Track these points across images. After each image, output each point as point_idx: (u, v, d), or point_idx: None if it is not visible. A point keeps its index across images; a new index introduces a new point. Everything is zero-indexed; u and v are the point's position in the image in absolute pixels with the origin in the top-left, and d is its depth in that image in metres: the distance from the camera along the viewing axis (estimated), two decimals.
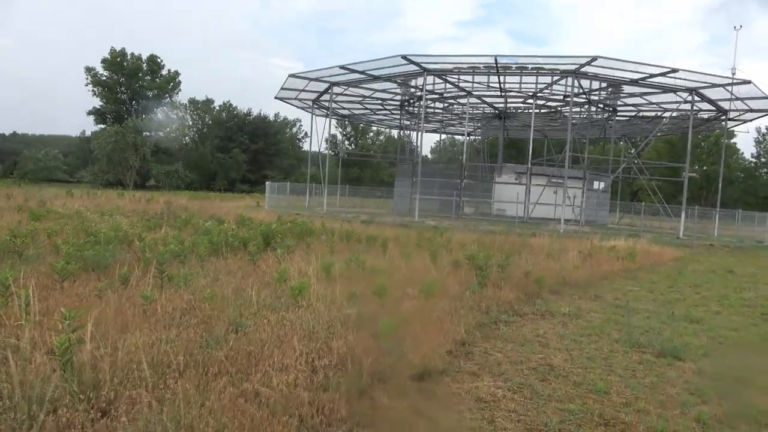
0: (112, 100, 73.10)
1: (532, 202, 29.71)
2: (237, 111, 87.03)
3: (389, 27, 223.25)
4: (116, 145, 64.91)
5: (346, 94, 34.63)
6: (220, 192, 67.97)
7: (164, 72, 76.27)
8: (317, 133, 73.84)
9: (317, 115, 36.94)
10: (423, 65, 25.69)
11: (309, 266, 8.21)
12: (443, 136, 65.15)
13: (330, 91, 31.68)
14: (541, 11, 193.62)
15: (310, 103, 36.62)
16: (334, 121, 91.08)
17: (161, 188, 65.00)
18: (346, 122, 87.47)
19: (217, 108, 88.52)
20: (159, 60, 75.55)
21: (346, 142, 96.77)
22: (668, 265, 14.96)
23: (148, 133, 72.47)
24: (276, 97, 35.76)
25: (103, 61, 71.96)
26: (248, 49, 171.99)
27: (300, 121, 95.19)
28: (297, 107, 39.48)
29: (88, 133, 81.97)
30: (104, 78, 72.24)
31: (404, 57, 24.33)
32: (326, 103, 36.93)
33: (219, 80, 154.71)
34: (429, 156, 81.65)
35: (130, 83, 73.31)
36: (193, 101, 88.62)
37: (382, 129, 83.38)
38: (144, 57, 74.44)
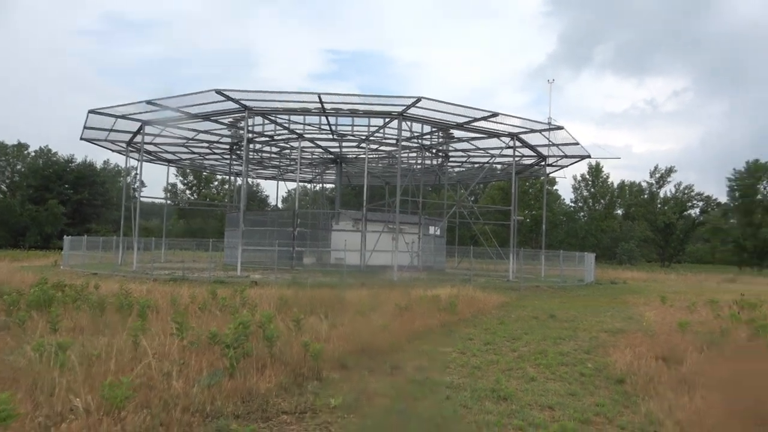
0: None
1: (369, 250, 28.29)
2: (57, 157, 77.16)
3: (244, 78, 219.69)
4: None
5: (166, 135, 31.01)
6: (29, 249, 58.52)
7: None
8: (137, 180, 67.32)
9: (139, 160, 32.59)
10: (242, 102, 23.37)
11: None
12: (292, 185, 63.03)
13: (142, 131, 27.93)
14: (390, 68, 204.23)
15: (124, 145, 32.34)
16: (173, 170, 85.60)
17: None
18: (188, 170, 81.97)
19: (33, 154, 77.78)
20: None
21: (188, 192, 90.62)
22: (491, 314, 13.82)
23: None
24: (82, 138, 30.98)
25: None
26: (85, 92, 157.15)
27: (135, 168, 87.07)
28: (111, 150, 34.77)
29: None
30: None
31: (218, 92, 21.83)
32: (146, 146, 32.95)
33: (43, 124, 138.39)
34: (280, 206, 78.72)
35: None
36: (1, 146, 77.13)
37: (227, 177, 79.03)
38: None
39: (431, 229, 31.93)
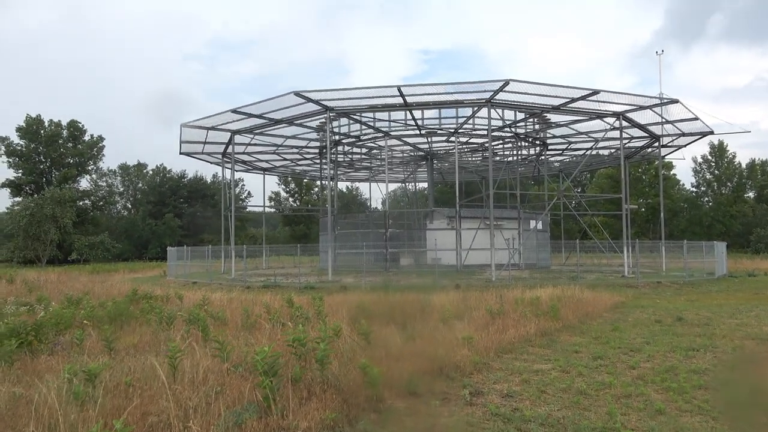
0: (29, 170, 67.91)
1: (465, 249, 26.69)
2: (171, 174, 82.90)
3: (343, 83, 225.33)
4: (32, 218, 59.69)
5: (256, 144, 31.43)
6: (150, 260, 63.13)
7: (86, 137, 71.82)
8: (242, 190, 70.07)
9: (232, 169, 33.43)
10: (321, 102, 22.77)
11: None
12: (393, 186, 63.05)
13: (232, 141, 28.39)
14: (480, 61, 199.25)
15: (220, 156, 33.28)
16: (275, 178, 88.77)
17: (86, 262, 59.82)
18: (289, 178, 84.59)
19: (150, 172, 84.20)
20: (80, 125, 71.25)
21: (290, 199, 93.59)
22: (603, 318, 11.81)
23: (71, 204, 67.30)
24: (181, 153, 32.24)
25: (18, 129, 67.26)
26: (193, 114, 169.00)
27: (242, 180, 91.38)
28: (210, 162, 36.04)
29: (2, 207, 76.02)
30: (19, 147, 67.29)
31: (297, 93, 21.37)
32: (239, 156, 33.71)
33: (158, 144, 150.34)
34: (379, 208, 78.77)
35: (48, 151, 68.51)
36: (123, 167, 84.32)
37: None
38: (64, 123, 70.06)
39: (532, 224, 29.58)
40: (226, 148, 30.74)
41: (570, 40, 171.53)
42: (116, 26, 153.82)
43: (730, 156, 67.83)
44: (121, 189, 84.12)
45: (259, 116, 24.83)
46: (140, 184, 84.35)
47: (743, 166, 68.68)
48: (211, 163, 35.36)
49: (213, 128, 26.79)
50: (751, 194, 69.14)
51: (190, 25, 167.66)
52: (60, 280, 23.42)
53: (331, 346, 7.32)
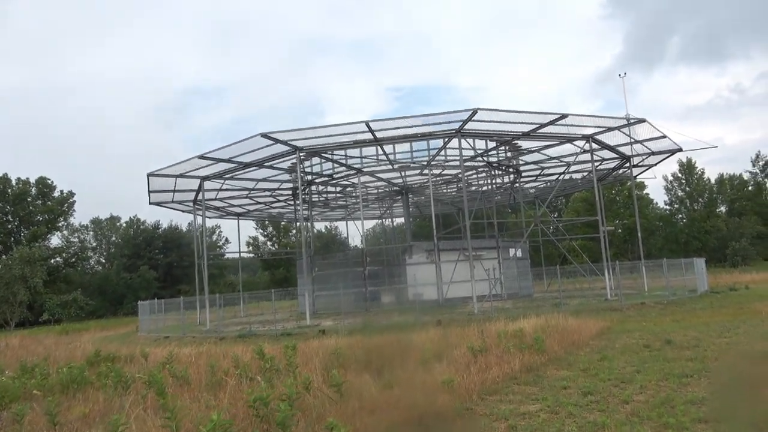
0: None
1: (446, 282, 26.20)
2: (145, 225, 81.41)
3: (317, 124, 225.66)
4: (0, 280, 57.61)
5: (227, 189, 30.85)
6: (126, 316, 61.14)
7: (56, 194, 70.39)
8: (220, 237, 68.95)
9: (203, 216, 32.69)
10: (290, 143, 22.44)
11: None
12: (372, 223, 62.63)
13: (202, 188, 27.79)
14: (451, 95, 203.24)
15: (191, 204, 32.58)
16: (252, 223, 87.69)
17: (59, 322, 57.66)
18: (266, 222, 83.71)
19: (124, 225, 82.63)
20: (50, 181, 69.92)
21: (268, 243, 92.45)
22: (589, 347, 11.33)
23: (41, 262, 65.28)
24: (151, 203, 31.47)
25: None
26: (167, 161, 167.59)
27: (219, 227, 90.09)
28: (182, 211, 35.25)
29: None
30: None
31: (265, 135, 21.02)
32: (210, 202, 33.03)
33: (134, 196, 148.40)
34: (359, 246, 78.02)
35: (16, 210, 66.82)
36: (96, 221, 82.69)
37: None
38: (32, 180, 68.66)
39: (511, 252, 29.27)
40: (197, 195, 30.11)
41: (536, 69, 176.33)
42: (83, 79, 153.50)
43: (699, 172, 69.29)
44: (94, 244, 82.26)
45: (228, 160, 24.38)
46: (114, 238, 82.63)
47: (713, 181, 70.13)
48: (182, 211, 34.61)
49: (181, 176, 26.21)
50: (722, 209, 70.37)
51: (161, 75, 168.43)
52: (22, 345, 22.19)
53: (299, 402, 6.70)
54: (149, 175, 26.30)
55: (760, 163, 68.74)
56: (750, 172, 69.76)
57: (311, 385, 7.37)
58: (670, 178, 69.89)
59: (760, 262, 58.13)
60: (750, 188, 69.25)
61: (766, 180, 68.77)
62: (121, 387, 8.79)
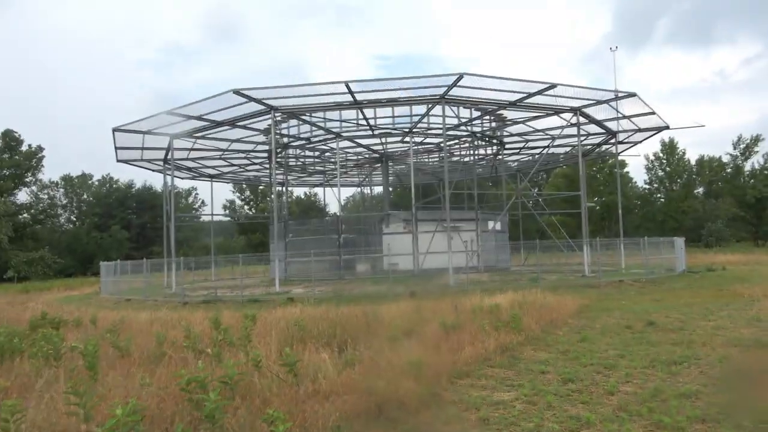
0: None
1: (422, 252, 25.51)
2: (118, 184, 79.11)
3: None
4: None
5: (199, 149, 29.49)
6: (95, 275, 59.63)
7: (24, 148, 67.63)
8: (196, 199, 67.36)
9: (172, 176, 31.23)
10: (264, 101, 21.18)
11: None
12: (351, 191, 61.45)
13: (171, 146, 26.41)
14: (439, 67, 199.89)
15: (161, 163, 31.17)
16: (230, 186, 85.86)
17: (25, 279, 55.97)
18: (244, 185, 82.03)
19: (96, 183, 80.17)
20: (17, 134, 67.09)
21: (246, 207, 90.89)
22: (568, 326, 10.70)
23: (6, 218, 62.98)
24: (118, 160, 30.02)
25: None
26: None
27: (195, 189, 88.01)
28: (151, 170, 33.72)
29: None
30: None
31: (237, 92, 19.74)
32: (182, 162, 31.61)
33: (102, 154, 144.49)
34: (339, 214, 76.69)
35: None
36: (67, 178, 79.94)
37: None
38: None
39: (490, 225, 28.65)
40: (167, 153, 28.71)
41: (524, 44, 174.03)
42: (61, 33, 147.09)
43: (681, 153, 69.28)
44: (65, 201, 79.73)
45: (199, 118, 23.03)
46: (85, 196, 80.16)
47: (692, 162, 70.29)
48: (152, 170, 33.14)
49: (150, 132, 24.78)
50: (700, 190, 70.75)
51: (143, 30, 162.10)
52: None
53: (244, 384, 5.88)
54: (114, 129, 24.81)
55: (741, 146, 68.88)
56: (730, 154, 69.98)
57: (261, 363, 6.54)
58: (652, 157, 69.84)
59: (733, 244, 58.79)
60: (728, 171, 69.56)
61: (745, 163, 69.10)
62: (53, 358, 7.88)
